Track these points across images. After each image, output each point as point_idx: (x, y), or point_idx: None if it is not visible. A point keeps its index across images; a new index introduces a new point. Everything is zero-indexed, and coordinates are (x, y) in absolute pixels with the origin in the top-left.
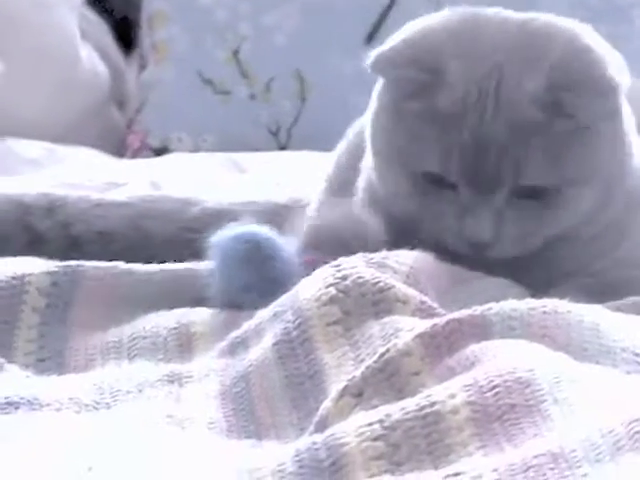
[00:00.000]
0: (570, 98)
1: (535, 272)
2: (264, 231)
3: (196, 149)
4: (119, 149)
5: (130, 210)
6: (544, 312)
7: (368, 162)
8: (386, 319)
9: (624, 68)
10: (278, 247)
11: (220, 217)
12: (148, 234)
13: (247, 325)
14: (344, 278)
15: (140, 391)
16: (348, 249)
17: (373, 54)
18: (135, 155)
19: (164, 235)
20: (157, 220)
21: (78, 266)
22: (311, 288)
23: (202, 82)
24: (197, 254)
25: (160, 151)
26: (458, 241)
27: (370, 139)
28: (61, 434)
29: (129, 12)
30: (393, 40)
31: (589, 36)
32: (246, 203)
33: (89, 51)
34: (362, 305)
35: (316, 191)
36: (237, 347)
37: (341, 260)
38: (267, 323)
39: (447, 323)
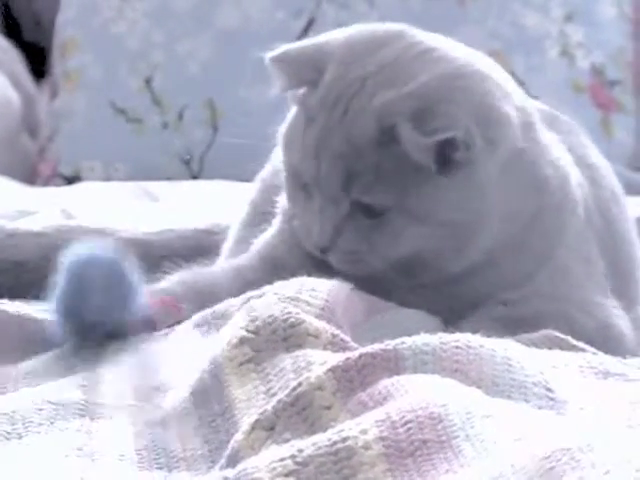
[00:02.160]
0: (402, 131)
1: (444, 300)
2: (115, 255)
3: (108, 178)
4: (30, 177)
5: (44, 240)
6: (456, 347)
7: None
8: (298, 352)
9: (507, 108)
10: (130, 273)
11: (136, 246)
12: None
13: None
14: (254, 319)
15: (52, 423)
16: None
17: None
18: (46, 183)
19: None
20: None
21: None
22: (225, 335)
23: (114, 111)
24: None
25: (72, 179)
26: (306, 241)
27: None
28: None
29: (41, 40)
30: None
31: (482, 70)
32: (162, 232)
33: (1, 78)
34: (273, 341)
35: (238, 218)
36: (152, 392)
37: (254, 301)
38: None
39: (360, 357)
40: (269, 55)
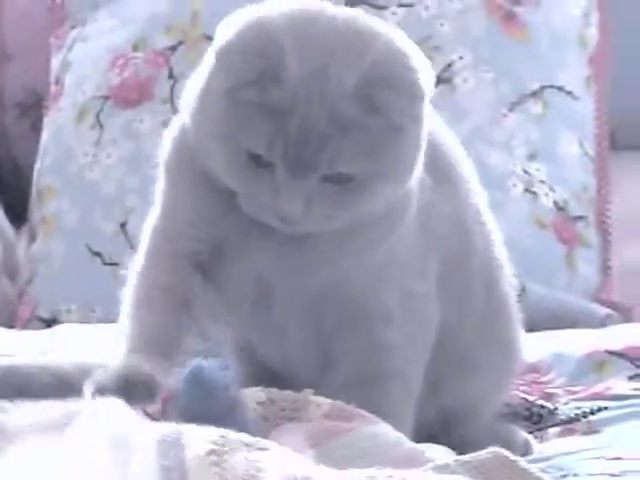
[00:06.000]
0: (381, 95)
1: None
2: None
3: (85, 320)
4: (9, 320)
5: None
6: None
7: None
8: None
9: (431, 79)
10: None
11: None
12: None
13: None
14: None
15: None
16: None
17: (217, 41)
18: (25, 326)
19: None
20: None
21: None
22: None
23: (91, 254)
24: None
25: (50, 322)
26: (268, 216)
27: (193, 116)
28: None
29: (20, 185)
30: (231, 28)
31: (406, 43)
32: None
33: None
34: None
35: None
36: None
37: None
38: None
39: None
40: (215, 49)
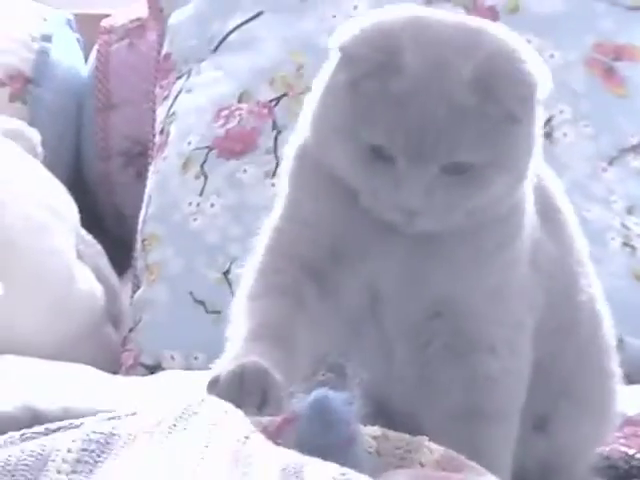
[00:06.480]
0: (498, 84)
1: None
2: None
3: (188, 367)
4: (114, 366)
5: None
6: None
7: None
8: None
9: (547, 77)
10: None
11: None
12: None
13: None
14: None
15: None
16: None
17: (341, 38)
18: (129, 372)
19: None
20: None
21: None
22: None
23: (194, 302)
24: None
25: (153, 368)
26: (391, 208)
27: (315, 116)
28: None
29: (124, 234)
30: (354, 28)
31: (518, 40)
32: None
33: (85, 272)
34: None
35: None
36: None
37: None
38: None
39: None
40: (335, 44)
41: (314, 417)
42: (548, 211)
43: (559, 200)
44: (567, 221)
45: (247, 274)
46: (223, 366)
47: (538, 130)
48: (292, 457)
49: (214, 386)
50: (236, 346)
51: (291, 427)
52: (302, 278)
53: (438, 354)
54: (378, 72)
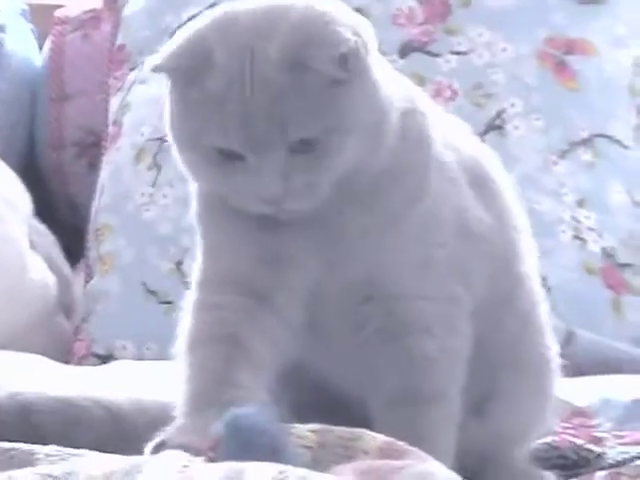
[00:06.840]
0: (305, 53)
1: (328, 238)
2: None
3: (140, 357)
4: (65, 356)
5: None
6: None
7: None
8: None
9: (369, 34)
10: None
11: None
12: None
13: None
14: None
15: None
16: None
17: (158, 59)
18: (81, 362)
19: None
20: None
21: None
22: None
23: (146, 292)
24: None
25: (105, 358)
26: (257, 202)
27: (170, 134)
28: None
29: (77, 223)
30: (170, 44)
31: (331, 5)
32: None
33: (38, 261)
34: None
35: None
36: None
37: None
38: None
39: None
40: (150, 67)
41: (231, 439)
42: (480, 181)
43: (492, 171)
44: (501, 190)
45: (186, 307)
46: (171, 433)
47: (376, 82)
48: (231, 465)
49: (158, 450)
50: (182, 411)
51: (215, 453)
52: (237, 304)
53: (373, 339)
54: (195, 78)
